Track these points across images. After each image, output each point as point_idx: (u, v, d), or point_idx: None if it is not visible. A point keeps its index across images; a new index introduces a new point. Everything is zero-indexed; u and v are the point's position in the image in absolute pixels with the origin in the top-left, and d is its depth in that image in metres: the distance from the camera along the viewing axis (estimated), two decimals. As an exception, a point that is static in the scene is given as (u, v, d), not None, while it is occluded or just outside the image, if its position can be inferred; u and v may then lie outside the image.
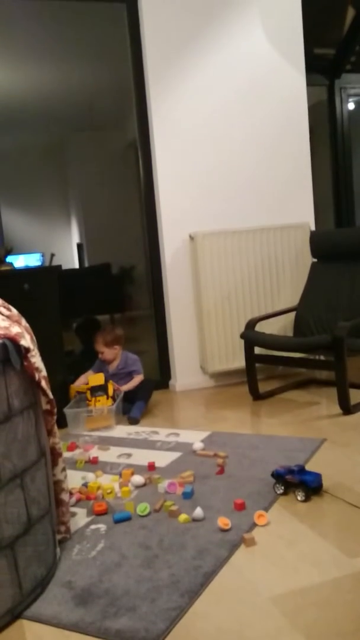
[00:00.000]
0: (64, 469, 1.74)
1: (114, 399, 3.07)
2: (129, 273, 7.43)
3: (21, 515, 1.46)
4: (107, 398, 3.03)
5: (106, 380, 3.11)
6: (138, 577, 1.55)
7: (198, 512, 1.85)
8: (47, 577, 1.56)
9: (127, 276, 7.40)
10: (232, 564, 1.60)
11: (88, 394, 3.06)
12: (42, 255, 7.14)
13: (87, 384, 3.13)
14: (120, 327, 3.46)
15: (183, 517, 1.85)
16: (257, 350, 3.27)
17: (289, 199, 3.80)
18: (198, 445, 2.52)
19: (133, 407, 3.13)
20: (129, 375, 3.31)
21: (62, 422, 2.91)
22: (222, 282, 3.60)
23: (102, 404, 3.01)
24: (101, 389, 3.07)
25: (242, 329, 3.37)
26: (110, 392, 3.06)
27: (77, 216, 8.83)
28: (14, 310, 1.69)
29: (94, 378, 3.13)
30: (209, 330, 3.59)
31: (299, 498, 1.94)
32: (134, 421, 3.04)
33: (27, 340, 1.52)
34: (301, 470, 1.98)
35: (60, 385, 3.08)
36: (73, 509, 1.98)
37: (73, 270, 8.09)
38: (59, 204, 8.97)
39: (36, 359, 1.55)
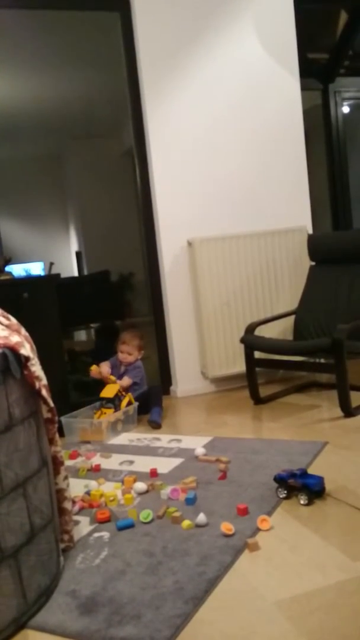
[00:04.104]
0: (66, 478, 1.73)
1: (118, 396, 3.10)
2: (128, 280, 7.43)
3: (24, 525, 1.46)
4: (115, 411, 3.04)
5: (117, 391, 3.12)
6: (142, 584, 1.55)
7: (201, 518, 1.85)
8: (51, 586, 1.56)
9: (127, 283, 7.41)
10: (236, 569, 1.59)
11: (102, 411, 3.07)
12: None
13: (105, 377, 3.15)
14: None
15: (186, 523, 1.85)
16: (257, 354, 3.27)
17: (286, 203, 3.81)
18: (200, 451, 2.52)
19: (151, 412, 3.16)
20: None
21: (62, 431, 2.91)
22: (221, 287, 3.60)
23: (107, 416, 3.01)
24: (111, 401, 3.08)
25: (242, 333, 3.37)
26: (115, 390, 3.09)
27: (76, 224, 8.84)
28: (14, 320, 1.69)
29: (108, 390, 3.12)
30: (208, 335, 3.60)
31: (301, 502, 1.93)
32: (156, 425, 3.06)
33: (26, 349, 1.53)
34: (303, 473, 1.98)
35: (61, 393, 3.08)
36: (76, 518, 1.97)
37: (72, 279, 8.09)
38: (57, 212, 8.98)
39: (36, 368, 1.56)
